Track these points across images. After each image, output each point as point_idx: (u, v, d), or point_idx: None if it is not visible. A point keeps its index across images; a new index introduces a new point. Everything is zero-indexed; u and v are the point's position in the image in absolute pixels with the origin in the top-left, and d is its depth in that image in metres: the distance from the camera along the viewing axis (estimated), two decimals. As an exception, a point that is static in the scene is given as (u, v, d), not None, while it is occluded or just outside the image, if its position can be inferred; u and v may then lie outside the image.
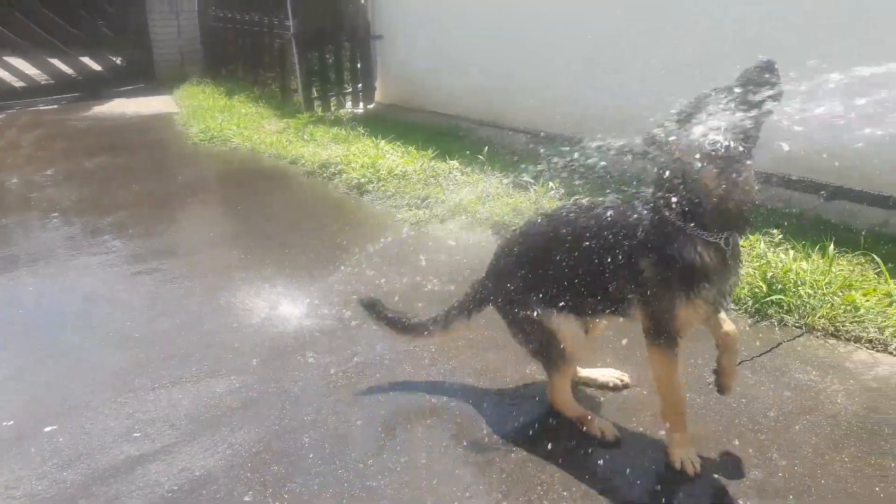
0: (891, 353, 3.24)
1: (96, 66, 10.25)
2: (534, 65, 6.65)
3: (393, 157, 6.26)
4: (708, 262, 2.26)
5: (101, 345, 3.44)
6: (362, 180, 5.79)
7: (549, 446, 2.64)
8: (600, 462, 2.57)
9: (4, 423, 2.82)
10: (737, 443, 2.68)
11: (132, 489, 2.47)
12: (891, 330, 3.34)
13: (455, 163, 6.04)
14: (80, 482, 2.51)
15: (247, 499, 2.41)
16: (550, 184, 5.33)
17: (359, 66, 8.61)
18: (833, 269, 3.80)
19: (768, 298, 3.62)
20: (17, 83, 9.59)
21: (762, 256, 3.96)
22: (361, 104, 8.68)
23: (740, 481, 2.47)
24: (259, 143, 7.05)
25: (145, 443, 2.71)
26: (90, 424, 2.83)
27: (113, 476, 2.53)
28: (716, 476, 2.50)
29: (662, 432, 2.61)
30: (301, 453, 2.64)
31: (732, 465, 2.56)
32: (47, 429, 2.80)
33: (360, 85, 8.67)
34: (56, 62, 9.83)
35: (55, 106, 9.38)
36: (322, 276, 4.14)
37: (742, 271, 2.41)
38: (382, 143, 6.69)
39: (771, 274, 3.74)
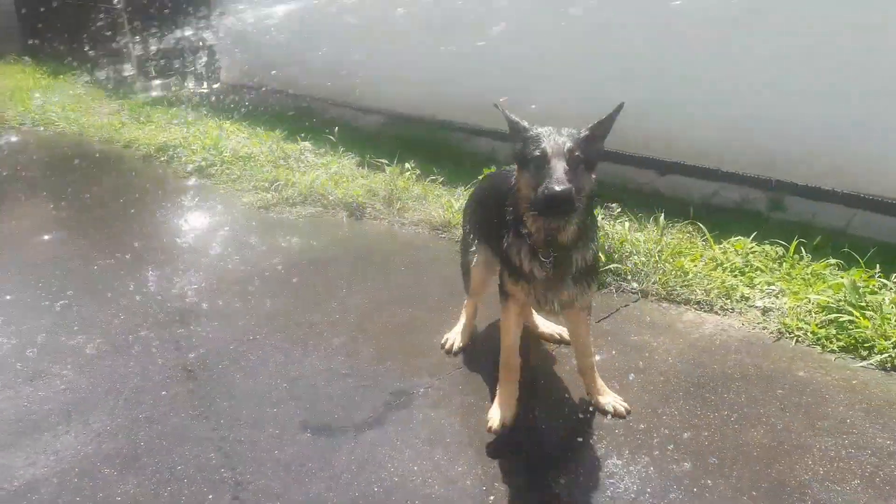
0: (716, 312, 3.52)
1: None
2: (390, 40, 6.58)
3: (238, 138, 5.98)
4: (527, 266, 2.50)
5: None
6: (203, 163, 5.47)
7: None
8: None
9: None
10: (577, 401, 2.80)
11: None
12: (716, 292, 3.62)
13: (307, 144, 5.87)
14: None
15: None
16: (406, 164, 5.31)
17: (200, 44, 8.14)
18: (665, 239, 4.07)
19: (606, 267, 3.81)
20: None
21: (601, 228, 4.16)
22: (206, 84, 8.22)
23: (583, 434, 2.59)
24: (88, 127, 6.49)
25: (-51, 458, 2.41)
26: None
27: None
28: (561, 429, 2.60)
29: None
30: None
31: (571, 422, 2.67)
32: None
33: (202, 63, 8.20)
34: None
35: None
36: (155, 263, 3.89)
37: (578, 283, 2.53)
38: (227, 123, 6.37)
39: (609, 244, 3.94)
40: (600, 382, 2.83)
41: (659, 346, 3.21)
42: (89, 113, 6.86)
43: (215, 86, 8.16)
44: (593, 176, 2.41)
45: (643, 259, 3.85)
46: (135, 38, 7.70)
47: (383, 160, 5.42)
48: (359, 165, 5.57)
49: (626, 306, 3.58)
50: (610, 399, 2.78)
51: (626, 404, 2.77)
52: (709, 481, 2.35)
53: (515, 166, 2.47)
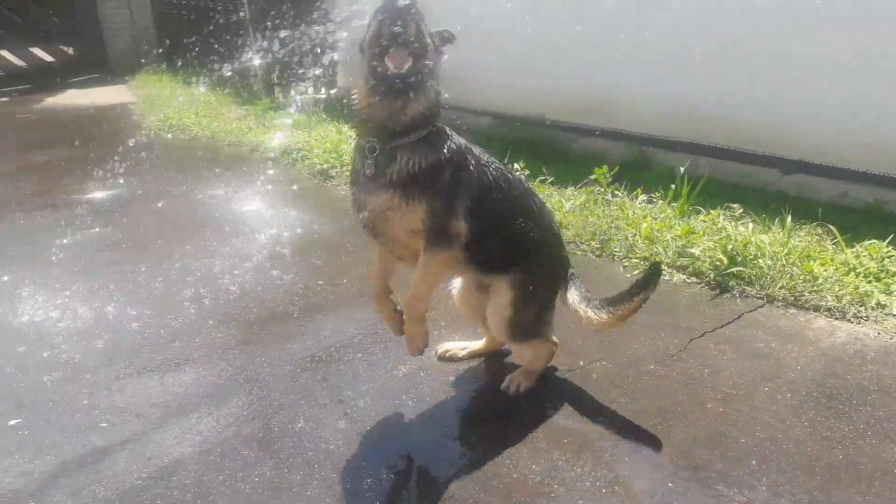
0: (849, 320, 3.34)
1: (48, 58, 9.96)
2: (496, 42, 6.63)
3: (355, 140, 6.21)
4: (356, 166, 2.36)
5: (65, 337, 3.36)
6: (325, 166, 5.73)
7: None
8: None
9: (-37, 419, 2.75)
10: (701, 411, 2.74)
11: (100, 479, 2.43)
12: (848, 298, 3.44)
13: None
14: (48, 473, 2.46)
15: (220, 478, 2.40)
16: (515, 165, 5.34)
17: (319, 50, 8.50)
18: (791, 241, 3.89)
19: (729, 270, 3.69)
20: (-36, 76, 9.31)
21: (722, 230, 4.04)
22: (324, 89, 8.58)
23: (704, 443, 2.53)
24: (219, 131, 6.94)
25: (111, 432, 2.67)
26: (54, 416, 2.77)
27: (80, 466, 2.49)
28: (681, 439, 2.55)
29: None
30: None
31: (692, 433, 2.61)
32: (11, 422, 2.73)
33: (321, 70, 8.57)
34: (5, 53, 9.53)
35: (5, 98, 9.08)
36: (279, 260, 4.11)
37: (398, 192, 2.25)
38: (345, 127, 6.63)
39: (731, 247, 3.82)
40: (419, 328, 2.57)
41: (787, 355, 3.08)
42: (219, 118, 7.33)
43: (332, 91, 8.50)
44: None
45: (769, 262, 3.70)
46: (260, 48, 8.15)
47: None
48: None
49: (750, 312, 3.46)
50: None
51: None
52: (843, 498, 2.25)
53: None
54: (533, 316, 2.70)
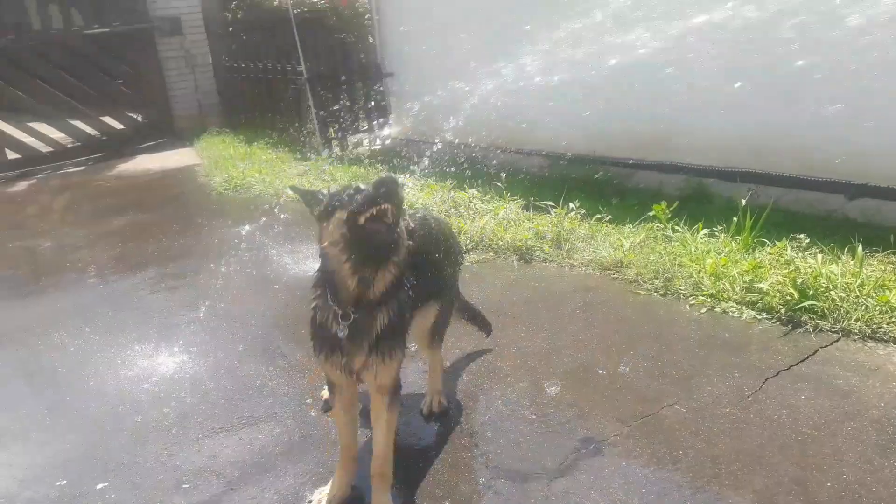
0: (931, 351, 3.20)
1: (118, 125, 10.52)
2: (545, 86, 6.71)
3: (412, 190, 6.33)
4: (336, 330, 2.38)
5: (145, 399, 3.50)
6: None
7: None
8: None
9: (58, 483, 2.89)
10: (782, 455, 2.65)
11: (185, 541, 2.52)
12: (929, 328, 3.30)
13: (474, 191, 6.10)
14: (135, 538, 2.56)
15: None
16: (571, 204, 5.36)
17: (372, 104, 8.77)
18: (864, 271, 3.77)
19: (801, 305, 3.60)
20: (44, 148, 9.86)
21: (790, 263, 3.95)
22: (378, 141, 8.81)
23: (787, 489, 2.45)
24: (282, 188, 7.18)
25: (194, 494, 2.76)
26: (139, 478, 2.89)
27: (166, 529, 2.58)
28: (763, 485, 2.48)
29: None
30: (347, 495, 2.66)
31: (774, 478, 2.53)
32: (99, 486, 2.86)
33: (375, 122, 8.82)
34: (78, 124, 10.11)
35: (82, 168, 9.62)
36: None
37: (376, 351, 2.40)
38: (400, 177, 6.77)
39: (801, 280, 3.73)
40: (386, 498, 2.55)
41: (869, 391, 2.97)
42: (281, 175, 7.59)
43: (387, 142, 8.72)
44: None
45: (841, 294, 3.60)
46: (316, 104, 8.45)
47: (548, 202, 5.50)
48: (524, 208, 5.69)
49: (825, 347, 3.36)
50: None
51: None
52: (944, 545, 2.14)
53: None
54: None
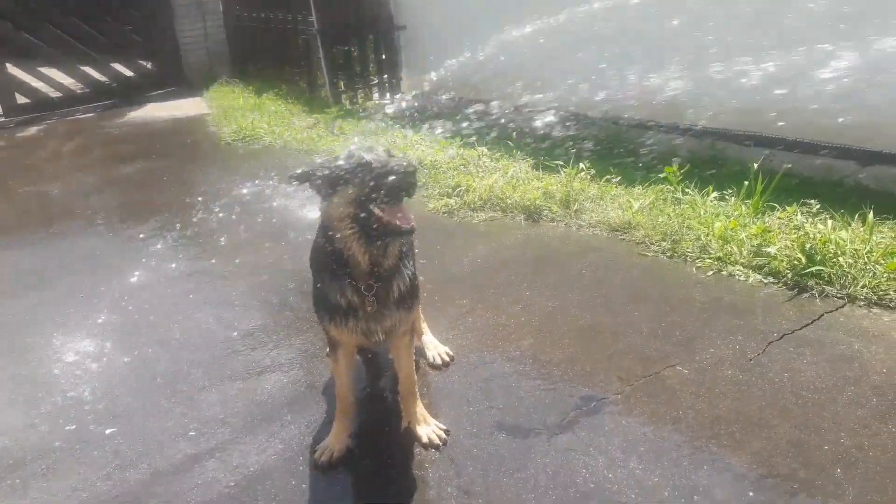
0: (937, 319, 3.19)
1: (128, 72, 10.43)
2: (561, 47, 6.59)
3: (422, 146, 6.29)
4: (354, 303, 2.43)
5: (151, 347, 3.56)
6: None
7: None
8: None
9: (67, 428, 2.96)
10: (781, 417, 2.68)
11: (192, 486, 2.58)
12: (937, 296, 3.29)
13: (483, 149, 6.05)
14: (142, 481, 2.62)
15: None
16: (581, 164, 5.31)
17: (383, 57, 8.63)
18: (874, 237, 3.74)
19: (808, 270, 3.58)
20: (54, 93, 9.81)
21: (800, 227, 3.92)
22: (389, 95, 8.70)
23: (785, 451, 2.48)
24: (290, 140, 7.14)
25: (200, 441, 2.82)
26: (146, 425, 2.95)
27: (172, 474, 2.65)
28: (761, 446, 2.51)
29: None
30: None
31: (772, 440, 2.56)
32: (107, 431, 2.92)
33: (385, 76, 8.69)
34: (89, 70, 10.03)
35: (92, 114, 9.57)
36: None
37: (400, 307, 2.49)
38: (410, 133, 6.72)
39: (809, 245, 3.70)
40: (421, 411, 2.76)
41: (872, 357, 2.98)
42: (290, 128, 7.54)
43: (397, 96, 8.61)
44: None
45: (849, 261, 3.58)
46: (327, 57, 8.32)
47: (558, 162, 5.46)
48: (533, 168, 5.65)
49: (830, 312, 3.36)
50: (428, 429, 2.70)
51: (443, 433, 2.70)
52: (937, 509, 2.17)
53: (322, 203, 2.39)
54: None
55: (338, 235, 2.34)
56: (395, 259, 2.43)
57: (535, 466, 2.53)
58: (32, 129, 8.94)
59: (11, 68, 9.47)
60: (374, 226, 2.26)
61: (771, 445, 2.54)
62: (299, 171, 2.44)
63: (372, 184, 2.22)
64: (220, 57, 10.76)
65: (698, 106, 5.75)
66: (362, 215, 2.26)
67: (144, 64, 10.63)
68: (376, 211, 2.24)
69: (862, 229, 3.85)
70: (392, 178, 2.21)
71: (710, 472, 2.43)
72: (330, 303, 2.47)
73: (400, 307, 2.49)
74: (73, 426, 2.96)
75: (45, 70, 9.76)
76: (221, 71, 10.55)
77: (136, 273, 4.44)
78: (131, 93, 10.23)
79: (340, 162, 2.33)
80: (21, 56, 9.53)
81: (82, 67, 10.00)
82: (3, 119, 9.37)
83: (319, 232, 2.52)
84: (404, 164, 2.25)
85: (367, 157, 2.28)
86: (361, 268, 2.37)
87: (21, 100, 9.56)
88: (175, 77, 10.58)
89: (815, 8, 4.76)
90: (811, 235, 3.78)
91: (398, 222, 2.24)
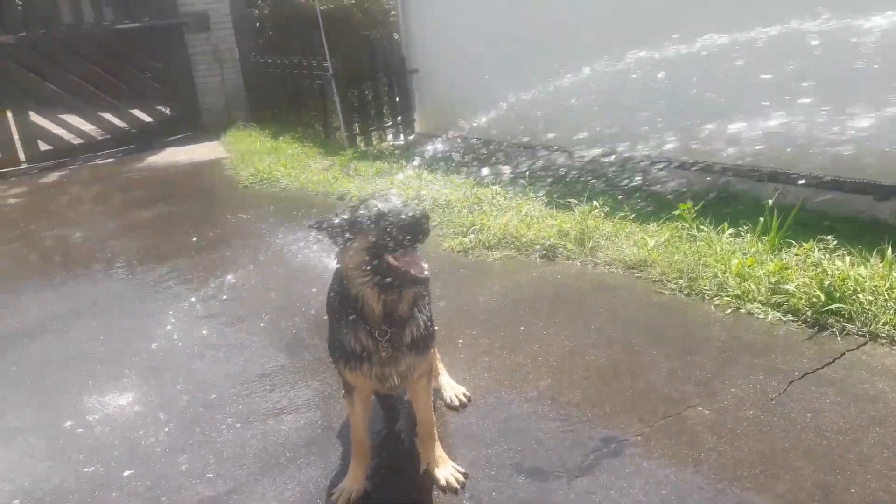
0: (962, 357, 3.15)
1: (147, 118, 10.67)
2: (565, 85, 6.69)
3: (436, 186, 6.35)
4: (369, 348, 2.44)
5: (169, 388, 3.57)
6: (408, 211, 5.88)
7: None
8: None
9: (86, 469, 2.96)
10: (805, 459, 2.63)
11: (210, 530, 2.57)
12: (960, 333, 3.25)
13: (497, 188, 6.10)
14: (161, 525, 2.61)
15: (319, 535, 2.49)
16: (595, 202, 5.34)
17: (397, 99, 8.79)
18: (893, 273, 3.71)
19: (827, 307, 3.55)
20: (75, 140, 10.04)
21: (818, 264, 3.90)
22: (402, 136, 8.84)
23: (810, 494, 2.43)
24: (307, 182, 7.24)
25: (218, 482, 2.81)
26: (164, 467, 2.95)
27: (191, 518, 2.64)
28: (786, 489, 2.46)
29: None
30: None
31: (797, 483, 2.51)
32: (125, 473, 2.92)
33: (399, 118, 8.84)
34: (109, 116, 10.28)
35: (112, 160, 9.77)
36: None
37: (414, 351, 2.49)
38: (425, 173, 6.80)
39: (828, 282, 3.68)
40: (439, 453, 2.75)
41: (896, 397, 2.93)
42: (306, 170, 7.64)
43: (410, 137, 8.75)
44: None
45: (870, 297, 3.54)
46: (342, 100, 8.48)
47: (572, 199, 5.49)
48: (547, 205, 5.68)
49: (851, 350, 3.31)
50: (446, 472, 2.67)
51: (462, 476, 2.68)
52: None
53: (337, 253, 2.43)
54: None
55: (352, 283, 2.37)
56: (410, 305, 2.44)
57: (555, 510, 2.50)
58: (54, 175, 9.14)
59: (34, 116, 9.71)
60: (389, 274, 2.29)
61: (796, 488, 2.49)
62: (315, 220, 2.48)
63: (384, 232, 2.25)
64: (237, 102, 11.00)
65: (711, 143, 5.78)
66: (375, 263, 2.29)
67: (163, 110, 10.88)
68: (390, 259, 2.27)
69: (881, 265, 3.83)
70: (404, 226, 2.25)
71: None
72: (344, 348, 2.49)
73: (415, 352, 2.51)
74: (91, 468, 2.97)
75: (66, 117, 10.01)
76: (238, 115, 10.77)
77: (155, 316, 4.49)
78: (150, 138, 10.45)
79: (354, 211, 2.38)
80: (43, 104, 9.81)
81: (102, 114, 10.26)
82: (26, 165, 9.58)
83: (335, 277, 2.55)
84: (417, 212, 2.28)
85: (380, 205, 2.32)
86: (375, 314, 2.39)
87: (43, 146, 9.78)
88: (193, 122, 10.81)
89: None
90: (829, 272, 3.76)
91: (412, 271, 2.27)
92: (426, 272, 2.29)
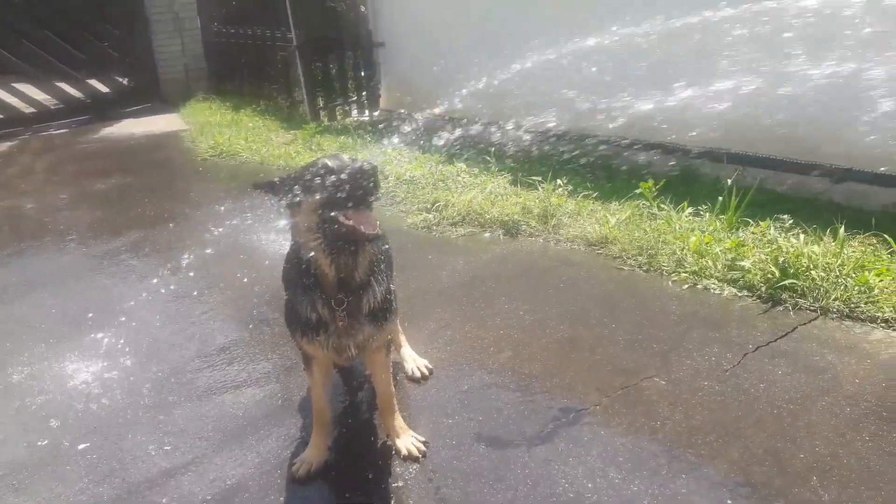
0: (907, 331, 3.26)
1: (104, 88, 10.35)
2: (535, 62, 6.68)
3: (400, 162, 6.31)
4: (324, 317, 2.39)
5: (125, 362, 3.50)
6: (371, 187, 5.83)
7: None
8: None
9: (39, 443, 2.89)
10: (757, 427, 2.71)
11: (168, 501, 2.53)
12: (906, 309, 3.36)
13: (462, 165, 6.08)
14: (116, 496, 2.57)
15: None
16: (558, 180, 5.36)
17: (362, 74, 8.66)
18: (845, 251, 3.82)
19: (781, 283, 3.64)
20: (28, 109, 9.70)
21: (773, 242, 3.99)
22: (367, 112, 8.73)
23: (761, 460, 2.50)
24: (268, 156, 7.12)
25: (177, 455, 2.78)
26: (121, 440, 2.90)
27: (147, 489, 2.60)
28: (738, 456, 2.53)
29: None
30: (328, 458, 2.69)
31: (749, 450, 2.59)
32: (81, 446, 2.86)
33: (364, 93, 8.72)
34: (64, 86, 9.93)
35: (65, 130, 9.47)
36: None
37: (373, 322, 2.45)
38: (389, 150, 6.74)
39: (783, 259, 3.77)
40: (400, 423, 2.76)
41: (844, 368, 3.03)
42: (268, 144, 7.52)
43: (375, 113, 8.64)
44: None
45: (822, 274, 3.64)
46: (305, 73, 8.33)
47: (536, 178, 5.50)
48: (511, 184, 5.69)
49: (803, 324, 3.41)
50: (407, 441, 2.70)
51: (422, 445, 2.68)
52: (910, 515, 2.20)
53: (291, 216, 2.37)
54: None
55: (304, 247, 2.31)
56: (366, 272, 2.38)
57: (514, 477, 2.53)
58: (4, 145, 8.83)
59: (-16, 83, 9.36)
60: (341, 233, 2.22)
61: (748, 454, 2.56)
62: (263, 181, 2.41)
63: (333, 188, 2.19)
64: (197, 73, 10.73)
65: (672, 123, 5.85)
66: (327, 223, 2.22)
67: (120, 80, 10.56)
68: (341, 218, 2.20)
69: (833, 244, 3.93)
70: (352, 179, 2.18)
71: (688, 481, 2.45)
72: (301, 318, 2.43)
73: (373, 322, 2.46)
74: (46, 441, 2.90)
75: (19, 86, 9.66)
76: (198, 87, 10.52)
77: (110, 288, 4.39)
78: (106, 109, 10.15)
79: (303, 170, 2.32)
80: (-6, 71, 9.45)
81: (57, 84, 9.92)
82: (-26, 134, 9.24)
83: (291, 246, 2.50)
84: (365, 166, 2.22)
85: (329, 163, 2.26)
86: (329, 280, 2.33)
87: (-7, 115, 9.44)
88: (151, 93, 10.53)
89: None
90: (784, 249, 3.85)
91: (363, 228, 2.20)
92: (378, 228, 2.22)
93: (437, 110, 7.41)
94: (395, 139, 6.98)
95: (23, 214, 6.02)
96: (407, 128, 7.65)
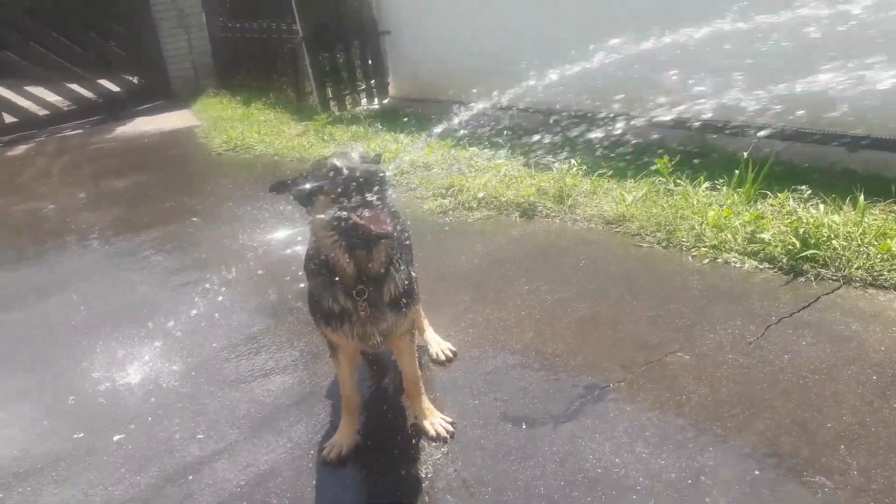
0: (932, 297, 3.24)
1: (115, 88, 10.42)
2: (541, 47, 6.65)
3: (413, 149, 6.32)
4: (347, 307, 2.44)
5: (153, 355, 3.56)
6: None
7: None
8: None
9: (75, 436, 2.96)
10: (783, 398, 2.71)
11: (203, 487, 2.59)
12: (930, 274, 3.34)
13: (475, 149, 6.08)
14: (153, 484, 2.63)
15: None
16: (573, 160, 5.35)
17: (370, 62, 8.67)
18: (866, 220, 3.80)
19: (802, 254, 3.63)
20: (41, 111, 9.80)
21: (793, 213, 3.97)
22: (376, 100, 8.74)
23: (788, 430, 2.51)
24: (281, 148, 7.16)
25: (209, 443, 2.83)
26: (154, 430, 2.95)
27: (183, 476, 2.65)
28: (765, 427, 2.54)
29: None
30: (358, 442, 2.73)
31: (775, 420, 2.60)
32: (116, 437, 2.93)
33: (373, 81, 8.73)
34: (75, 87, 10.02)
35: (80, 130, 9.56)
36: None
37: (395, 310, 2.49)
38: (402, 136, 6.75)
39: (803, 230, 3.75)
40: (427, 405, 2.80)
41: (870, 336, 3.02)
42: (280, 136, 7.56)
43: (385, 101, 8.65)
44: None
45: (843, 243, 3.63)
46: (313, 64, 8.34)
47: (550, 158, 5.49)
48: (525, 166, 5.69)
49: (826, 294, 3.40)
50: (435, 423, 2.73)
51: (450, 426, 2.72)
52: (940, 479, 2.21)
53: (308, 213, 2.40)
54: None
55: (322, 243, 2.37)
56: (383, 263, 2.43)
57: (542, 455, 2.55)
58: (21, 148, 8.93)
59: (-2, 87, 9.46)
60: (354, 232, 2.28)
61: (774, 425, 2.57)
62: (276, 182, 2.46)
63: (341, 190, 2.24)
64: (205, 69, 10.78)
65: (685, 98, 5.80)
66: (339, 222, 2.27)
67: (130, 79, 10.63)
68: (353, 217, 2.25)
69: (853, 212, 3.91)
70: (360, 182, 2.23)
71: (715, 453, 2.46)
72: (324, 308, 2.49)
73: (395, 310, 2.51)
74: (81, 434, 2.97)
75: (31, 89, 9.74)
76: (208, 83, 10.56)
77: (134, 285, 4.45)
78: (118, 108, 10.23)
79: (315, 170, 2.37)
80: (7, 75, 9.52)
81: (68, 85, 10.00)
82: (-8, 138, 9.35)
83: (310, 239, 2.54)
84: (371, 168, 2.27)
85: (338, 162, 2.30)
86: (348, 273, 2.39)
87: (8, 119, 9.54)
88: (161, 91, 10.59)
89: None
90: (804, 220, 3.83)
91: (373, 227, 2.24)
92: (386, 227, 2.26)
93: (445, 95, 7.40)
94: (407, 125, 7.02)
95: (45, 216, 6.09)
96: (419, 114, 7.67)
